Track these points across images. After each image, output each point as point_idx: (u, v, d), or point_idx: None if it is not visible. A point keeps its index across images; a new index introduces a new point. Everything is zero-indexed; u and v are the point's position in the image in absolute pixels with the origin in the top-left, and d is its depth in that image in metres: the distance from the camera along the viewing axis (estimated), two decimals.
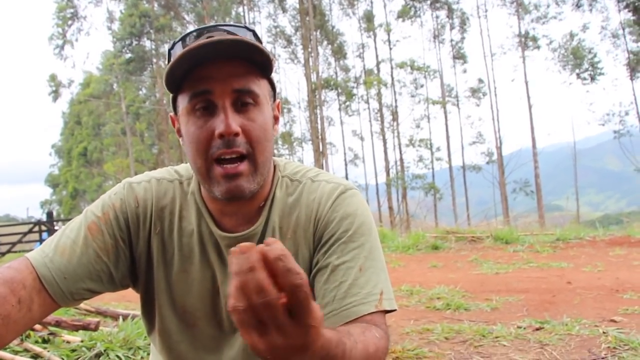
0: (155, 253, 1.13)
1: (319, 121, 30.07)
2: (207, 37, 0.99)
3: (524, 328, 3.42)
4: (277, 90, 1.14)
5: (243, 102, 1.00)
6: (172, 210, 1.14)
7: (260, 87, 1.03)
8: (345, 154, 37.60)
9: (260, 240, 1.11)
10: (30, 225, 20.72)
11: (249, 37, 1.02)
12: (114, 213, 1.10)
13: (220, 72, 0.99)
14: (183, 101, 1.03)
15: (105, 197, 1.14)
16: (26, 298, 0.96)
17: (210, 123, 0.99)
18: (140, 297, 1.18)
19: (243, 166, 1.00)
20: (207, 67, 0.99)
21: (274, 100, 1.12)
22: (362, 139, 37.25)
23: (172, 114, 1.11)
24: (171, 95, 1.08)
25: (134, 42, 36.93)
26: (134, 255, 1.13)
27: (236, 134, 0.98)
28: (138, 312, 4.13)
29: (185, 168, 1.19)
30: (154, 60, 37.35)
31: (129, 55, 37.22)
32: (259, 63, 1.01)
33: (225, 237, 1.10)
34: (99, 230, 1.07)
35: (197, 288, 1.12)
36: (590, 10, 28.90)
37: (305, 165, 1.23)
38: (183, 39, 1.05)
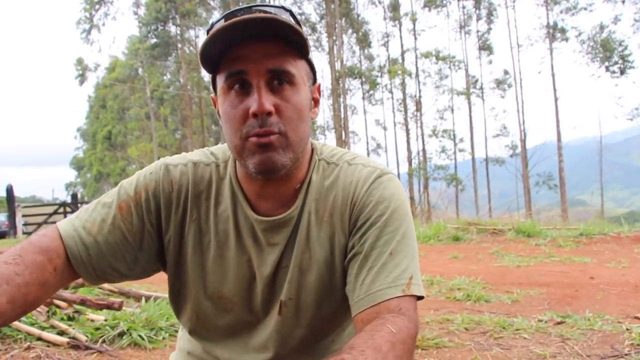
0: (190, 240, 1.12)
1: (342, 110, 30.02)
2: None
3: (545, 321, 3.39)
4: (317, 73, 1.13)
5: (278, 82, 0.99)
6: (208, 196, 1.13)
7: (296, 68, 1.01)
8: (367, 143, 37.62)
9: (297, 224, 1.10)
10: (56, 207, 21.19)
11: (285, 17, 1.00)
12: (146, 195, 1.10)
13: (254, 51, 0.97)
14: (220, 81, 1.02)
15: (141, 176, 1.13)
16: (60, 266, 1.01)
17: (245, 102, 0.99)
18: (168, 281, 1.18)
19: (274, 138, 0.98)
20: (242, 47, 0.98)
21: (314, 82, 1.11)
22: (385, 128, 37.19)
23: (213, 95, 1.10)
24: (210, 76, 1.07)
25: (160, 27, 37.15)
26: (162, 240, 1.13)
27: (269, 113, 0.97)
28: (160, 294, 4.21)
29: (222, 150, 1.18)
30: (179, 45, 37.56)
31: (154, 41, 37.48)
32: (295, 43, 0.99)
33: (261, 221, 1.09)
34: (128, 212, 1.08)
35: (233, 273, 1.11)
36: (623, 1, 28.24)
37: (342, 148, 1.21)
38: (220, 20, 1.03)
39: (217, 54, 1.00)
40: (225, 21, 0.98)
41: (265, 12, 0.97)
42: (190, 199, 1.12)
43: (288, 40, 0.99)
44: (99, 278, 1.08)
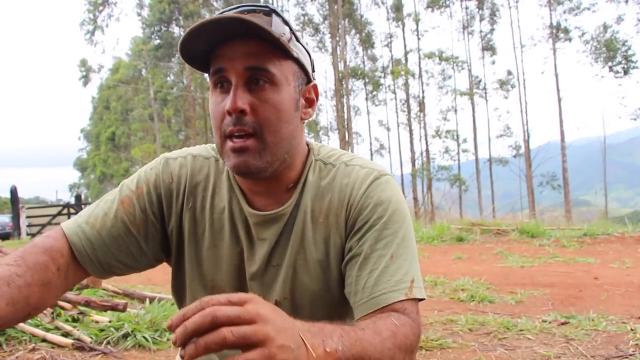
0: (186, 228, 1.14)
1: (345, 110, 29.97)
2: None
3: (549, 322, 3.39)
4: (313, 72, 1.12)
5: (257, 82, 0.99)
6: (205, 187, 1.14)
7: (278, 67, 1.01)
8: (371, 143, 37.63)
9: (290, 221, 1.11)
10: (60, 208, 21.24)
11: (259, 19, 0.99)
12: (147, 188, 1.12)
13: (234, 50, 0.98)
14: (209, 80, 1.05)
15: (142, 172, 1.16)
16: (64, 265, 1.02)
17: (224, 101, 1.00)
18: (171, 271, 1.20)
19: (249, 142, 0.99)
20: (226, 45, 0.99)
21: (308, 82, 1.11)
22: (388, 129, 37.15)
23: None
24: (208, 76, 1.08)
25: (163, 29, 37.28)
26: (166, 230, 1.15)
27: (242, 112, 0.98)
28: (164, 295, 4.21)
29: None
30: None
31: (157, 42, 37.58)
32: (277, 43, 0.99)
33: (254, 215, 1.10)
34: (131, 205, 1.10)
35: (226, 264, 1.13)
36: (626, 1, 28.15)
37: (340, 149, 1.21)
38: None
39: (201, 53, 1.01)
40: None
41: (244, 12, 0.98)
42: (188, 188, 1.14)
43: (269, 40, 0.98)
44: (106, 272, 1.10)
